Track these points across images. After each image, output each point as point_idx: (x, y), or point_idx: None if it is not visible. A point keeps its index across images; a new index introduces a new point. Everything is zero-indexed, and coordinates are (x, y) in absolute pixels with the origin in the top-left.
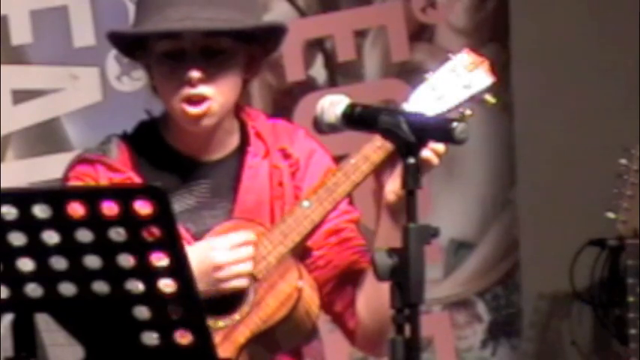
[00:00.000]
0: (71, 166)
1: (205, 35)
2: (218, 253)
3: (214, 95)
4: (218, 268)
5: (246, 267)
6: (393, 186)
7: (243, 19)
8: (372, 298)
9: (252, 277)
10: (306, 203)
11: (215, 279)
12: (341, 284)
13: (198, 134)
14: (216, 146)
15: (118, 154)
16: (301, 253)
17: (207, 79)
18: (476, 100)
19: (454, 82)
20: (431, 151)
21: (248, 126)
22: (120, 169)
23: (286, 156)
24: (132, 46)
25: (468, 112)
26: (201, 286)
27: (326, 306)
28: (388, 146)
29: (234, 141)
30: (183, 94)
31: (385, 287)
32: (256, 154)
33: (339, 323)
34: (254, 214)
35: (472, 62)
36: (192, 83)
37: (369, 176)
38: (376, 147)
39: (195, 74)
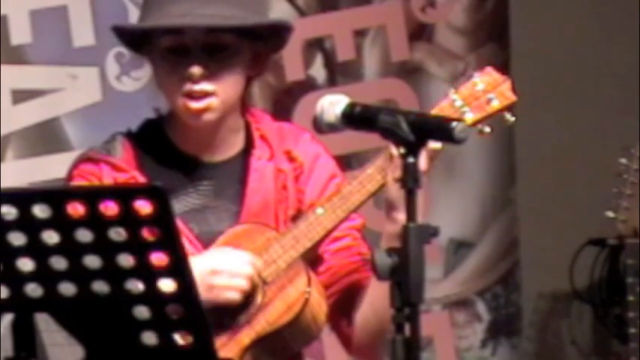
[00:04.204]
0: (75, 165)
1: (208, 32)
2: (222, 261)
3: (216, 91)
4: (215, 273)
5: (243, 284)
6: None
7: (246, 16)
8: (370, 313)
9: (262, 280)
10: (320, 210)
11: (210, 284)
12: (339, 292)
13: (202, 132)
14: (220, 146)
15: (122, 152)
16: (313, 260)
17: (210, 75)
18: (495, 118)
19: (475, 100)
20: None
21: (252, 127)
22: (124, 168)
23: (291, 159)
24: (137, 41)
25: (486, 129)
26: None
27: None
28: None
29: (238, 142)
30: (185, 89)
31: (384, 303)
32: (261, 157)
33: (335, 330)
34: (260, 217)
35: (494, 80)
36: (194, 79)
37: (384, 186)
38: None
39: (196, 70)
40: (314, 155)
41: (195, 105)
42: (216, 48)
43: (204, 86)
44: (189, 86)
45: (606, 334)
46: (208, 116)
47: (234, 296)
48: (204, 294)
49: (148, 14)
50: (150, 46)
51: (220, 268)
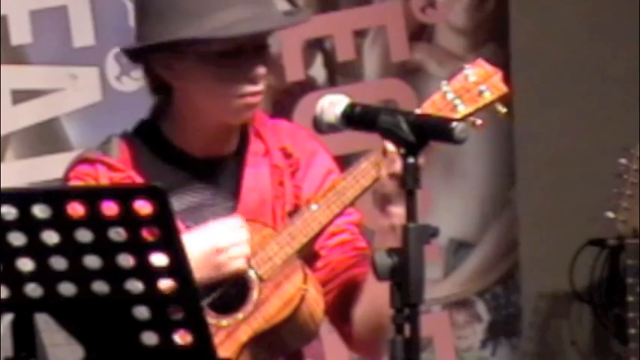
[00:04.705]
0: (72, 166)
1: (257, 33)
2: (219, 237)
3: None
4: (219, 251)
5: (245, 249)
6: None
7: (281, 14)
8: (369, 308)
9: (258, 277)
10: (314, 206)
11: (217, 262)
12: (338, 287)
13: (205, 131)
14: (217, 143)
15: (118, 153)
16: (309, 256)
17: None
18: (487, 109)
19: (467, 92)
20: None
21: (248, 125)
22: (120, 168)
23: (287, 155)
24: (158, 50)
25: (478, 121)
26: (205, 271)
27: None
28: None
29: (234, 139)
30: (245, 91)
31: (382, 298)
32: (256, 153)
33: (336, 326)
34: (257, 213)
35: (486, 72)
36: (255, 80)
37: (378, 181)
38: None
39: (262, 72)
40: (310, 151)
41: (254, 101)
42: (262, 48)
43: (262, 86)
44: (251, 88)
45: (606, 334)
46: (248, 114)
47: (242, 264)
48: (212, 273)
49: (189, 23)
50: (180, 54)
51: (222, 245)
